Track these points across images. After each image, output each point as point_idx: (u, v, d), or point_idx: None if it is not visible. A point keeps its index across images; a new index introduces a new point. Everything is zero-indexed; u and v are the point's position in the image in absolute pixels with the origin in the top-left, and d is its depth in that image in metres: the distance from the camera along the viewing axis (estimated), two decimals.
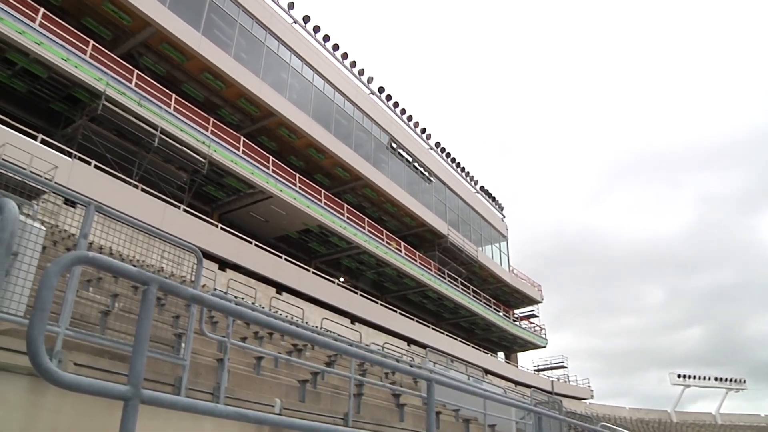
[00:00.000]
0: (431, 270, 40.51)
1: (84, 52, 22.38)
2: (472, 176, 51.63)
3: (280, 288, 28.22)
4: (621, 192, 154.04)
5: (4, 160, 16.64)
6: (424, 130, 45.14)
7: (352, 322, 31.33)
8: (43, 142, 20.14)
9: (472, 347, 44.52)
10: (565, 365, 58.19)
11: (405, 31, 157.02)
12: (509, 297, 54.22)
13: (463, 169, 50.24)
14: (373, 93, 40.25)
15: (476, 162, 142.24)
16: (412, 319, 38.26)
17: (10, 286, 5.08)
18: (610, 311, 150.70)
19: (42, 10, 21.53)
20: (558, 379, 55.09)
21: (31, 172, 16.88)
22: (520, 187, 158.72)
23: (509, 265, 53.42)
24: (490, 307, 48.05)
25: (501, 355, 55.15)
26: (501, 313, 49.96)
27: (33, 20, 21.00)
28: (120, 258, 16.47)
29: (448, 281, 42.21)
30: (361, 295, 34.25)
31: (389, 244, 36.74)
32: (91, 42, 23.06)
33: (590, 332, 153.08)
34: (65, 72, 21.76)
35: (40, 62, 21.48)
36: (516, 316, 55.08)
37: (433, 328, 40.46)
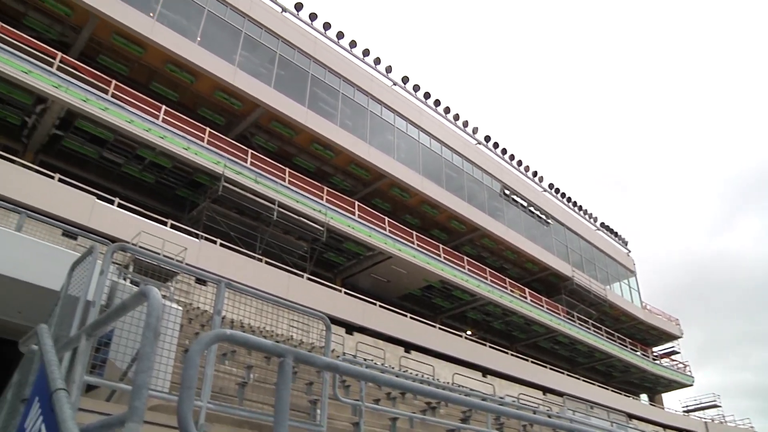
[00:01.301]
0: (559, 314, 39.32)
1: (202, 139, 23.96)
2: (591, 213, 50.14)
3: (408, 347, 28.21)
4: (750, 213, 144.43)
5: (141, 247, 17.89)
6: (535, 174, 44.56)
7: (484, 375, 30.76)
8: (172, 227, 21.61)
9: (612, 391, 42.39)
10: (718, 404, 54.03)
11: (502, 71, 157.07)
12: (645, 335, 51.48)
13: (580, 208, 48.96)
14: (479, 143, 40.31)
15: (592, 199, 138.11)
16: (545, 367, 37.09)
17: (155, 364, 5.39)
18: (762, 342, 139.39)
19: (163, 107, 23.38)
20: (713, 420, 51.25)
21: (165, 256, 18.02)
22: (641, 219, 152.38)
23: (641, 301, 50.90)
24: (626, 347, 45.75)
25: (644, 397, 52.18)
26: (638, 353, 47.42)
27: (156, 117, 22.79)
28: (251, 330, 17.10)
29: (579, 324, 40.75)
30: (490, 346, 33.66)
31: (513, 292, 36.09)
32: (208, 129, 24.69)
33: (741, 367, 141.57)
34: (187, 160, 23.33)
35: (164, 154, 23.25)
36: (655, 354, 52.12)
37: (568, 375, 38.98)
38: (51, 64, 20.76)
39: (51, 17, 23.91)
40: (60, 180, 20.13)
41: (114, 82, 22.46)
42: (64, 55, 21.80)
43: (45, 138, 23.14)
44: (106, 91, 21.82)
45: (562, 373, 38.49)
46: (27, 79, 19.92)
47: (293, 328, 20.31)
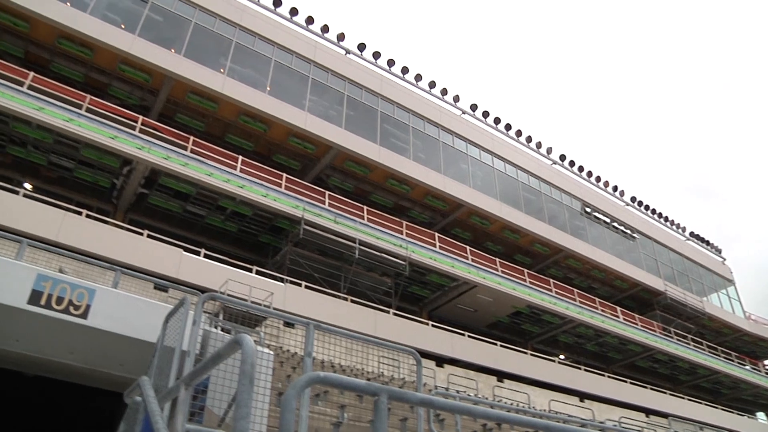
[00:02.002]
0: (655, 331, 37.81)
1: (279, 185, 24.54)
2: (678, 224, 48.29)
3: (501, 375, 27.69)
4: None
5: (229, 294, 18.36)
6: (615, 188, 43.41)
7: (581, 400, 29.78)
8: (257, 272, 22.18)
9: (722, 410, 40.26)
10: None
11: (569, 85, 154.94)
12: (753, 347, 48.70)
13: (666, 219, 47.25)
14: (555, 163, 39.71)
15: (679, 209, 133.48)
16: (646, 387, 35.65)
17: (251, 410, 5.49)
18: None
19: (240, 157, 24.16)
20: None
21: (252, 301, 18.41)
22: (734, 225, 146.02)
23: (744, 311, 48.36)
24: (732, 361, 43.44)
25: (761, 415, 49.34)
26: (747, 367, 44.97)
27: (234, 168, 23.56)
28: (341, 369, 17.19)
29: (677, 340, 39.06)
30: (585, 369, 32.64)
31: (604, 311, 35.03)
32: (284, 175, 25.29)
33: None
34: (267, 206, 23.90)
35: (245, 203, 23.90)
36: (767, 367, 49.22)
37: (671, 394, 37.33)
38: (134, 128, 21.91)
39: (131, 84, 25.22)
40: (149, 236, 21.08)
41: (192, 138, 23.44)
42: (145, 118, 22.98)
43: (133, 197, 24.27)
44: (185, 148, 22.78)
45: (665, 392, 36.89)
46: (114, 143, 21.12)
47: (383, 364, 20.39)
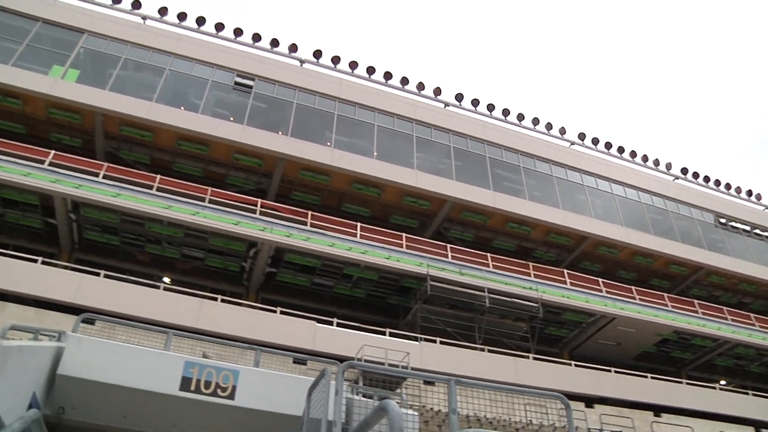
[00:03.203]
0: None
1: (400, 245, 24.91)
2: None
3: (657, 409, 26.09)
4: None
5: (366, 360, 18.55)
6: (750, 192, 40.70)
7: (757, 430, 27.42)
8: (391, 335, 22.50)
9: None
10: None
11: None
12: None
13: None
14: (677, 177, 37.96)
15: None
16: None
17: None
18: None
19: (358, 224, 24.82)
20: None
21: (390, 364, 18.51)
22: None
23: None
24: None
25: None
26: None
27: (354, 235, 24.18)
28: (488, 422, 16.85)
29: None
30: (753, 394, 30.13)
31: (763, 327, 32.51)
32: (404, 234, 25.65)
33: None
34: (391, 268, 24.28)
35: (369, 268, 24.43)
36: None
37: None
38: (254, 211, 23.15)
39: (247, 171, 26.62)
40: (281, 312, 21.97)
41: (310, 212, 24.39)
42: (264, 201, 24.29)
43: (262, 277, 25.31)
44: (305, 223, 23.69)
45: None
46: (238, 229, 22.43)
47: (530, 411, 19.81)
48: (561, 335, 30.46)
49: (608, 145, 35.90)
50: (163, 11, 28.38)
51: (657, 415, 25.62)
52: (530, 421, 19.37)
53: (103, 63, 25.91)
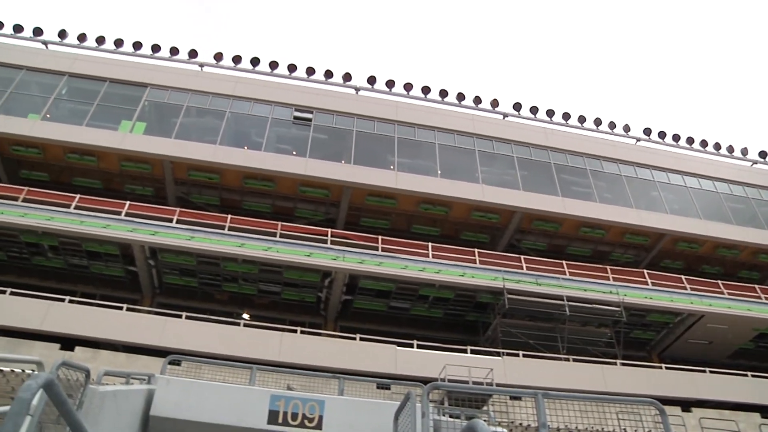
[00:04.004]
0: None
1: (473, 261, 24.75)
2: None
3: (764, 410, 24.72)
4: None
5: (450, 380, 18.39)
6: None
7: None
8: (472, 352, 22.27)
9: None
10: None
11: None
12: None
13: None
14: (755, 162, 36.33)
15: None
16: None
17: None
18: None
19: (429, 244, 24.87)
20: None
21: (474, 382, 18.29)
22: None
23: None
24: None
25: None
26: None
27: (426, 255, 24.21)
28: None
29: None
30: None
31: None
32: (476, 250, 25.52)
33: None
34: (466, 285, 24.13)
35: (444, 286, 24.38)
36: None
37: None
38: (325, 241, 23.44)
39: (314, 202, 27.08)
40: (361, 339, 22.04)
41: (380, 237, 24.50)
42: (333, 230, 24.55)
43: (339, 305, 25.52)
44: (376, 248, 23.84)
45: None
46: (311, 260, 22.80)
47: (623, 420, 19.14)
48: (648, 338, 29.44)
49: (676, 138, 34.86)
50: (218, 56, 29.38)
51: (765, 416, 24.26)
52: (624, 429, 18.74)
53: (167, 113, 26.97)
